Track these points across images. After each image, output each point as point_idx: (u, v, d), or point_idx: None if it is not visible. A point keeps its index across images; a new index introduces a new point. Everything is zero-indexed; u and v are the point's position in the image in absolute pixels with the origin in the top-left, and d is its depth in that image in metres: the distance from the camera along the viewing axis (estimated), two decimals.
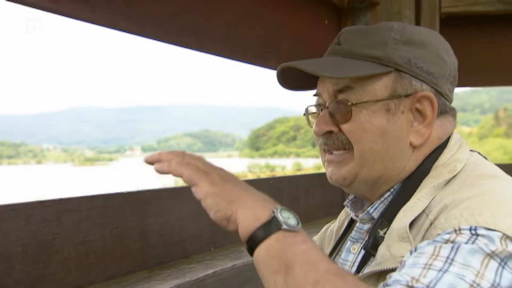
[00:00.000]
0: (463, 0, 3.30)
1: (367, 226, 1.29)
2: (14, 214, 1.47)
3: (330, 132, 1.24)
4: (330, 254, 1.41)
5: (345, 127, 1.22)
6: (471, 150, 1.28)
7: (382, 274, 1.07)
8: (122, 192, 1.82)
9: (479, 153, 1.30)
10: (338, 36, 1.29)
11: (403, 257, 1.03)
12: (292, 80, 1.32)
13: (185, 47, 2.23)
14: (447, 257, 0.93)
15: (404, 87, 1.21)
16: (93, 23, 1.81)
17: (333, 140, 1.24)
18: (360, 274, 1.10)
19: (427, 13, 3.22)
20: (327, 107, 1.25)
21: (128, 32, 1.97)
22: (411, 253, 1.00)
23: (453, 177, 1.17)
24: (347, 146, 1.22)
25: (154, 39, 2.10)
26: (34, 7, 1.60)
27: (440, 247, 0.95)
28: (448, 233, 0.99)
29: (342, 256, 1.33)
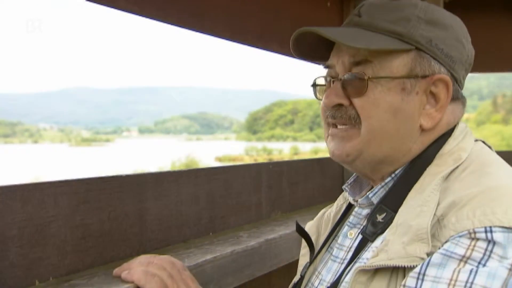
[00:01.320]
0: None
1: (365, 212, 1.27)
2: (10, 196, 1.44)
3: (340, 105, 1.21)
4: (327, 239, 1.39)
5: (357, 101, 1.18)
6: (476, 140, 1.25)
7: (394, 270, 1.05)
8: (120, 175, 1.79)
9: (484, 142, 1.27)
10: (358, 8, 1.25)
11: (418, 257, 1.01)
12: (305, 48, 1.28)
13: (186, 28, 2.18)
14: (467, 281, 0.94)
15: (422, 67, 1.18)
16: (92, 1, 1.77)
17: (342, 114, 1.21)
18: (369, 263, 1.08)
19: None
20: (341, 79, 1.21)
21: (128, 12, 1.93)
22: (427, 264, 0.99)
23: (457, 166, 1.15)
24: (353, 122, 1.20)
25: (155, 19, 2.06)
26: None
27: (459, 271, 0.95)
28: (462, 237, 0.98)
29: (338, 241, 1.31)
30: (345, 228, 1.31)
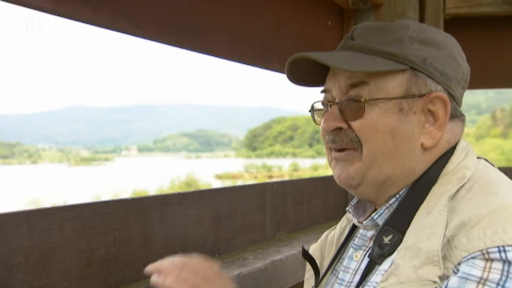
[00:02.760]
0: (468, 1, 3.28)
1: (370, 233, 1.26)
2: (16, 222, 1.43)
3: (339, 128, 1.21)
4: (332, 262, 1.38)
5: (355, 124, 1.18)
6: (478, 157, 1.25)
7: None
8: (125, 199, 1.79)
9: (486, 159, 1.27)
10: (351, 31, 1.25)
11: (430, 280, 1.01)
12: (300, 74, 1.28)
13: (186, 48, 2.19)
14: None
15: (418, 86, 1.18)
16: (94, 25, 1.77)
17: (342, 137, 1.20)
18: (379, 287, 1.07)
19: (431, 14, 3.19)
20: (337, 103, 1.21)
21: (129, 34, 1.93)
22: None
23: (462, 185, 1.14)
24: (355, 145, 1.19)
25: (156, 41, 2.06)
26: (34, 8, 1.56)
27: None
28: (475, 258, 0.98)
29: (344, 264, 1.29)
30: (350, 251, 1.29)
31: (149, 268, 1.25)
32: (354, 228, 1.38)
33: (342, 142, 1.20)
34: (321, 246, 1.47)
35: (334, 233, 1.45)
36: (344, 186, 1.25)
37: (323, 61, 1.16)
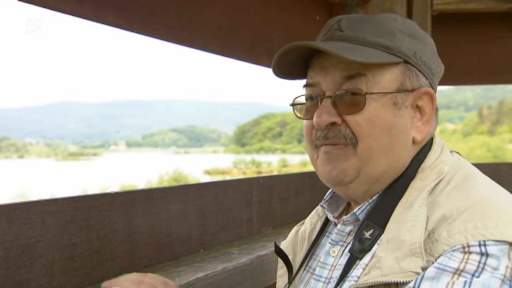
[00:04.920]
0: None
1: (348, 228, 1.24)
2: None
3: (332, 123, 1.16)
4: (305, 258, 1.36)
5: (352, 119, 1.15)
6: (450, 151, 1.26)
7: (386, 286, 1.04)
8: (108, 193, 1.76)
9: (458, 153, 1.27)
10: (336, 22, 1.20)
11: (412, 272, 1.01)
12: (286, 67, 1.23)
13: (175, 42, 2.17)
14: None
15: (411, 80, 1.17)
16: (80, 17, 1.75)
17: (335, 133, 1.16)
18: (361, 281, 1.06)
19: (418, 10, 3.19)
20: (331, 96, 1.17)
21: (116, 27, 1.91)
22: (421, 278, 0.99)
23: (440, 179, 1.14)
24: (348, 141, 1.15)
25: (143, 34, 2.04)
26: (21, 0, 1.54)
27: (453, 283, 0.95)
28: (455, 251, 0.98)
29: (321, 260, 1.27)
30: (327, 246, 1.27)
31: (105, 284, 1.25)
32: (326, 224, 1.37)
33: (335, 138, 1.16)
34: (292, 243, 1.44)
35: (305, 229, 1.42)
36: (332, 183, 1.21)
37: (325, 49, 1.11)
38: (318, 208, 1.42)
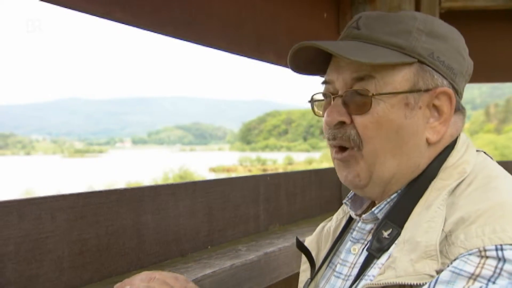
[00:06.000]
0: None
1: (369, 226, 1.24)
2: (6, 211, 1.42)
3: (342, 123, 1.18)
4: (328, 255, 1.37)
5: (359, 120, 1.15)
6: (477, 150, 1.24)
7: (401, 287, 1.03)
8: (117, 189, 1.77)
9: (484, 152, 1.26)
10: (356, 21, 1.21)
11: (427, 274, 1.00)
12: (301, 62, 1.24)
13: (182, 39, 2.17)
14: None
15: (425, 80, 1.16)
16: (89, 13, 1.75)
17: (342, 134, 1.17)
18: (375, 281, 1.06)
19: (426, 7, 3.18)
20: (341, 96, 1.18)
21: (124, 23, 1.91)
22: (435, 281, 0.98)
23: (462, 179, 1.13)
24: (352, 144, 1.16)
25: (151, 31, 2.04)
26: None
27: None
28: (471, 255, 0.97)
29: (341, 257, 1.27)
30: (348, 244, 1.28)
31: (118, 285, 1.27)
32: (350, 221, 1.37)
33: (341, 140, 1.18)
34: (317, 239, 1.46)
35: (330, 225, 1.44)
36: (350, 186, 1.23)
37: (330, 50, 1.12)
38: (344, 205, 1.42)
